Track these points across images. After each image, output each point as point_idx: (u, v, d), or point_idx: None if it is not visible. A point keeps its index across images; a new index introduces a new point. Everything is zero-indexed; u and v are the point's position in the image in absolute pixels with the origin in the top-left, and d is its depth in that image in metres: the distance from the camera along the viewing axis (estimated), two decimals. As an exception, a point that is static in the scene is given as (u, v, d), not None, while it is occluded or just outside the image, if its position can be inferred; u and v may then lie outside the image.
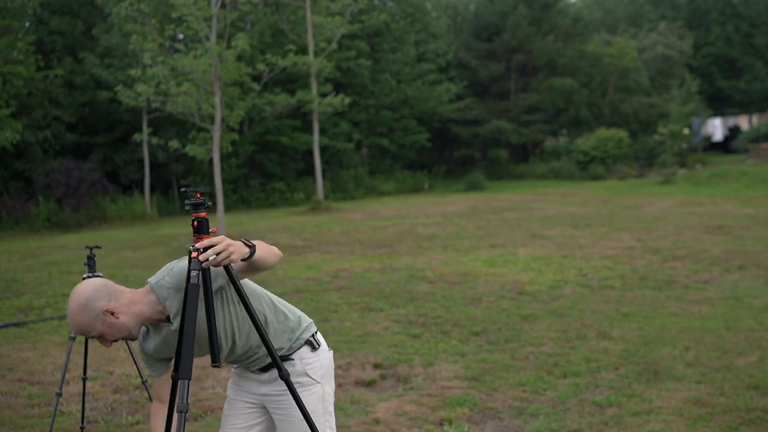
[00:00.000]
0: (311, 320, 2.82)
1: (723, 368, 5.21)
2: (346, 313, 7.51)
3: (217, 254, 2.36)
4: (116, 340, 2.56)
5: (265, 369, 2.73)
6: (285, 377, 2.65)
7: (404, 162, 30.48)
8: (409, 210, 18.95)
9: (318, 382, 2.73)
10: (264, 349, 2.64)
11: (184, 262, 2.53)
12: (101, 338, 2.52)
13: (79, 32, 24.22)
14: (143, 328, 2.62)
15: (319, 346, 2.77)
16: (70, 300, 2.48)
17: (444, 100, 28.58)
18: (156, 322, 2.57)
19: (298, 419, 2.63)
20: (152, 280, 2.55)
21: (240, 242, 2.44)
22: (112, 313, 2.47)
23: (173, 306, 2.53)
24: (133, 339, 2.59)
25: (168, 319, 2.56)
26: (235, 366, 2.81)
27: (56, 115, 21.55)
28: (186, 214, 21.77)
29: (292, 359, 2.71)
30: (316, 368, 2.74)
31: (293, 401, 2.60)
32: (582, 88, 31.15)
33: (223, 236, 2.43)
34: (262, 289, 2.73)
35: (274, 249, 2.60)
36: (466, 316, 7.11)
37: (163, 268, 2.59)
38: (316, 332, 2.80)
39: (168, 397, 2.60)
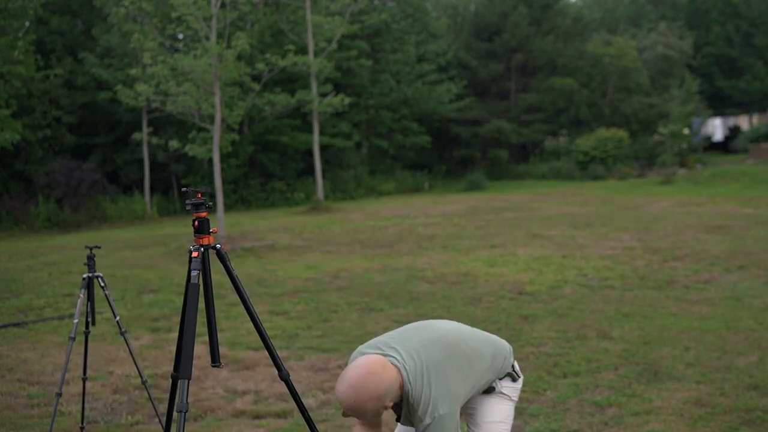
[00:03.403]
0: (510, 348, 2.90)
1: (723, 368, 5.21)
2: (346, 313, 7.50)
3: None
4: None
5: None
6: (285, 377, 2.65)
7: (404, 162, 30.46)
8: (409, 210, 18.95)
9: (512, 401, 2.87)
10: None
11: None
12: (357, 417, 2.56)
13: (79, 32, 24.22)
14: None
15: (519, 377, 2.90)
16: (363, 382, 2.46)
17: (444, 100, 28.54)
18: None
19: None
20: (409, 369, 2.55)
21: None
22: (387, 407, 2.55)
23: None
24: None
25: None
26: None
27: (56, 115, 21.54)
28: (186, 214, 21.77)
29: (492, 386, 2.83)
30: (512, 390, 2.87)
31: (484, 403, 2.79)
32: (582, 88, 31.13)
33: None
34: (478, 348, 2.75)
35: None
36: (466, 316, 7.11)
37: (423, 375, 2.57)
38: (514, 362, 2.89)
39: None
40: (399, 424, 2.85)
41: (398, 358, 2.54)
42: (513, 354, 2.89)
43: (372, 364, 2.50)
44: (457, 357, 2.62)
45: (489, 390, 2.79)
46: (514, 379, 2.85)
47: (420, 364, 2.55)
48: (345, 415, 2.56)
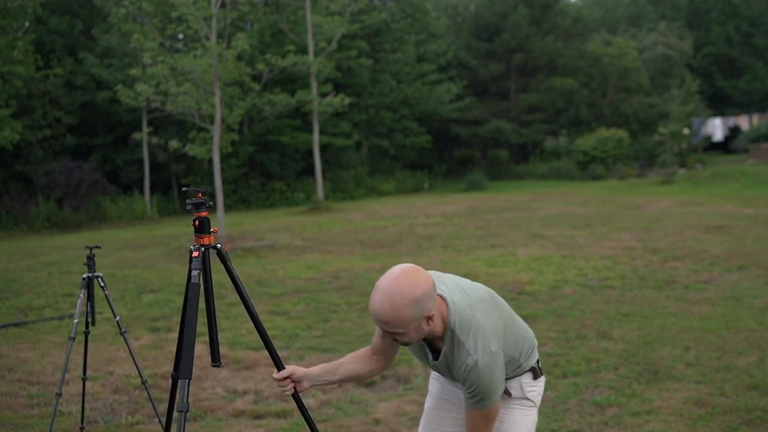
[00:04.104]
0: (536, 343, 2.68)
1: (723, 368, 5.21)
2: (346, 313, 7.50)
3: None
4: (404, 344, 2.39)
5: None
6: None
7: (404, 162, 30.47)
8: (409, 210, 18.94)
9: (536, 406, 2.66)
10: None
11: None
12: (397, 337, 2.32)
13: (78, 32, 24.21)
14: None
15: (541, 374, 2.67)
16: (396, 285, 2.23)
17: (444, 101, 28.55)
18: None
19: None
20: (455, 300, 2.34)
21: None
22: (429, 319, 2.28)
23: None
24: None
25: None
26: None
27: (56, 115, 21.54)
28: (186, 214, 21.76)
29: (510, 392, 2.60)
30: (536, 394, 2.66)
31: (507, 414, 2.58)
32: (582, 88, 31.14)
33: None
34: (508, 319, 2.54)
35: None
36: (466, 316, 7.10)
37: (460, 290, 2.40)
38: (538, 358, 2.68)
39: (379, 350, 2.53)
40: (432, 373, 2.69)
41: (444, 288, 2.34)
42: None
43: (404, 266, 2.27)
44: (499, 309, 2.46)
45: (514, 394, 2.59)
46: (536, 376, 2.63)
47: (468, 300, 2.35)
48: (384, 338, 2.34)
